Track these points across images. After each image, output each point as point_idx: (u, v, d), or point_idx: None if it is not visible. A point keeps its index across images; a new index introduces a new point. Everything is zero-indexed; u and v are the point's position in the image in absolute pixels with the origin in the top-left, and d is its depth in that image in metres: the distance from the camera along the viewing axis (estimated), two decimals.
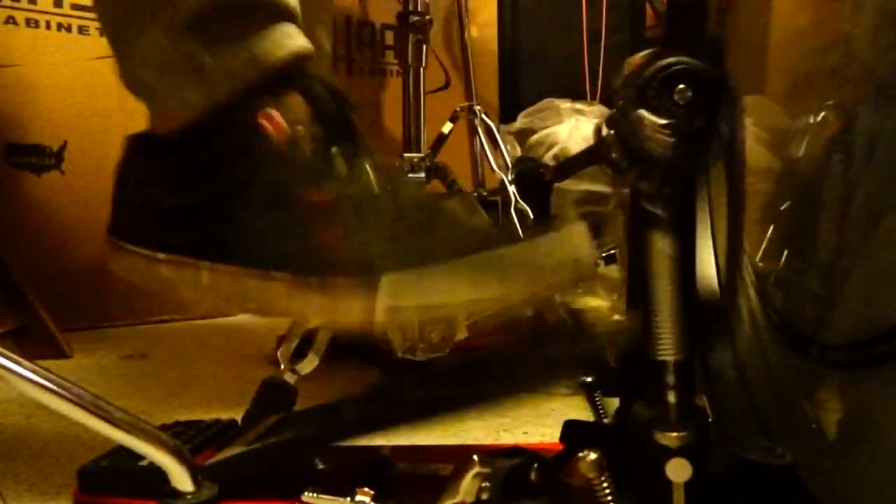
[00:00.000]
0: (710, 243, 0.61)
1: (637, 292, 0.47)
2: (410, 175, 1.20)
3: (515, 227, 0.55)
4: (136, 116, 0.65)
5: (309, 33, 0.80)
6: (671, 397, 0.43)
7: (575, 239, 0.51)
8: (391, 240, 0.52)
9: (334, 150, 0.55)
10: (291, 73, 0.58)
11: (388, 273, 0.50)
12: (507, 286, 0.49)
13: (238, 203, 0.55)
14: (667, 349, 0.43)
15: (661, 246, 0.43)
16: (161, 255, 0.57)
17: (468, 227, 0.53)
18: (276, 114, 0.56)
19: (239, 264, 0.54)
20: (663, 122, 0.42)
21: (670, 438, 0.42)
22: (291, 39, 0.58)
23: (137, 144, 0.61)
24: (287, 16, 0.59)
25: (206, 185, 0.56)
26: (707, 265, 0.61)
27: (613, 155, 0.46)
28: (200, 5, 0.56)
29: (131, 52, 0.59)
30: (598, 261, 0.55)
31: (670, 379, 0.43)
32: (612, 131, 0.45)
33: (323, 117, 0.57)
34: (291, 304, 0.53)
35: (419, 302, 0.50)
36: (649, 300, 0.44)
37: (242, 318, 1.46)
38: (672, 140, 0.42)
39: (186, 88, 0.57)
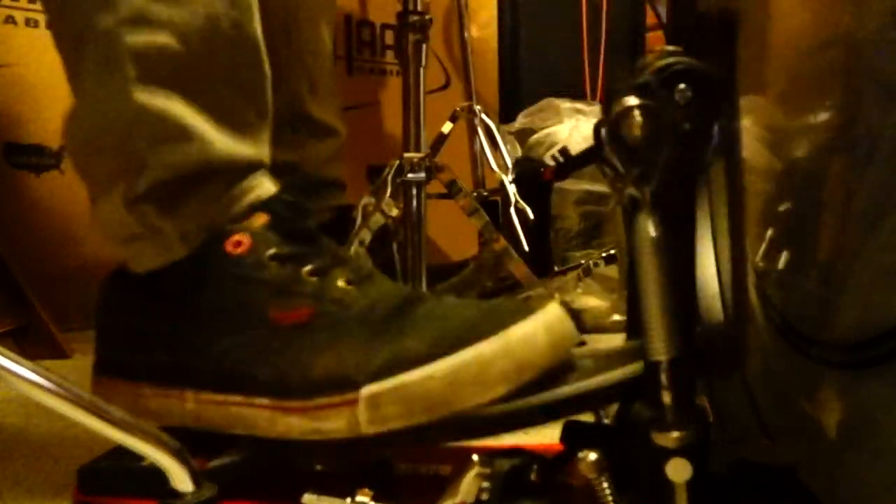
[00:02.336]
0: (710, 243, 0.61)
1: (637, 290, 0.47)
2: (411, 175, 1.20)
3: (498, 312, 0.53)
4: None
5: (314, 33, 0.80)
6: (666, 398, 0.43)
7: (551, 321, 0.51)
8: (367, 350, 0.52)
9: (307, 268, 0.56)
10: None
11: (366, 385, 0.51)
12: (485, 384, 0.49)
13: (213, 328, 0.56)
14: (659, 349, 0.43)
15: (647, 238, 0.43)
16: (146, 388, 0.57)
17: (445, 324, 0.52)
18: (243, 237, 0.57)
19: (221, 391, 0.55)
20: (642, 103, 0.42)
21: (668, 439, 0.42)
22: (253, 193, 0.59)
23: (112, 281, 0.62)
24: (252, 168, 0.60)
25: (181, 312, 0.57)
26: (706, 265, 0.61)
27: (609, 154, 0.46)
28: (160, 177, 0.57)
29: (98, 216, 0.61)
30: (580, 341, 0.53)
31: (664, 379, 0.43)
32: (608, 129, 0.45)
33: (290, 235, 0.57)
34: (276, 427, 0.53)
35: (402, 410, 0.50)
36: (640, 299, 0.43)
37: None
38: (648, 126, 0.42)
39: (146, 252, 0.58)
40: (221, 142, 0.58)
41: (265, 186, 0.60)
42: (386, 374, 0.50)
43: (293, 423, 0.52)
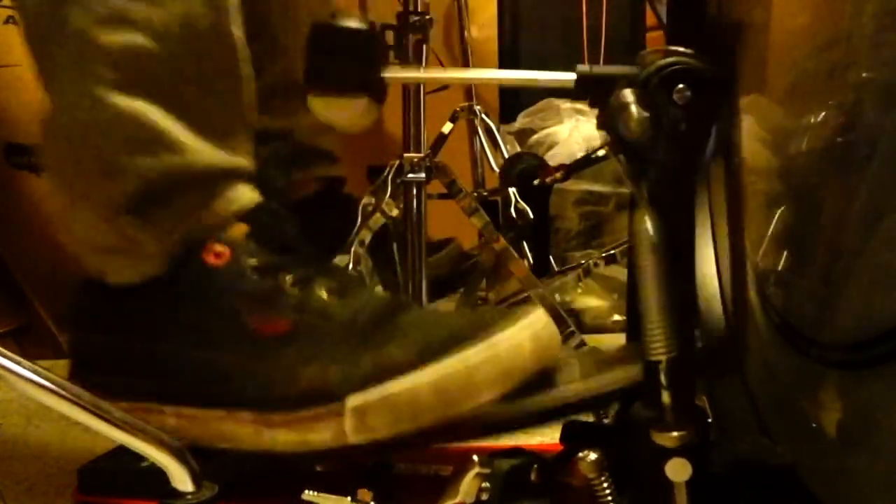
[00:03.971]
0: (710, 243, 0.61)
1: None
2: (411, 175, 1.19)
3: (483, 319, 0.53)
4: None
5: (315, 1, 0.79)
6: (666, 398, 0.43)
7: (536, 327, 0.51)
8: (351, 360, 0.51)
9: (288, 277, 0.55)
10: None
11: (351, 395, 0.50)
12: (470, 391, 0.49)
13: (192, 341, 0.54)
14: (658, 348, 0.43)
15: (645, 235, 0.43)
16: (124, 405, 0.56)
17: (429, 331, 0.52)
18: (222, 248, 0.55)
19: (202, 406, 0.54)
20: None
21: (668, 438, 0.42)
22: (233, 204, 0.57)
23: (86, 293, 0.60)
24: (231, 177, 0.58)
25: (159, 325, 0.56)
26: (706, 264, 0.61)
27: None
28: (138, 186, 0.55)
29: (69, 228, 0.59)
30: (564, 346, 0.53)
31: (663, 379, 0.43)
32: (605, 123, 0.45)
33: (271, 245, 0.56)
34: (261, 440, 0.52)
35: (388, 418, 0.50)
36: (640, 297, 0.43)
37: None
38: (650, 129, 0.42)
39: (122, 265, 0.57)
40: (200, 149, 0.56)
41: (245, 196, 0.58)
42: (371, 383, 0.50)
43: (278, 437, 0.52)
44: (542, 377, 0.50)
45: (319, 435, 0.51)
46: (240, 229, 0.56)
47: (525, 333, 0.50)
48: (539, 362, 0.50)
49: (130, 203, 0.55)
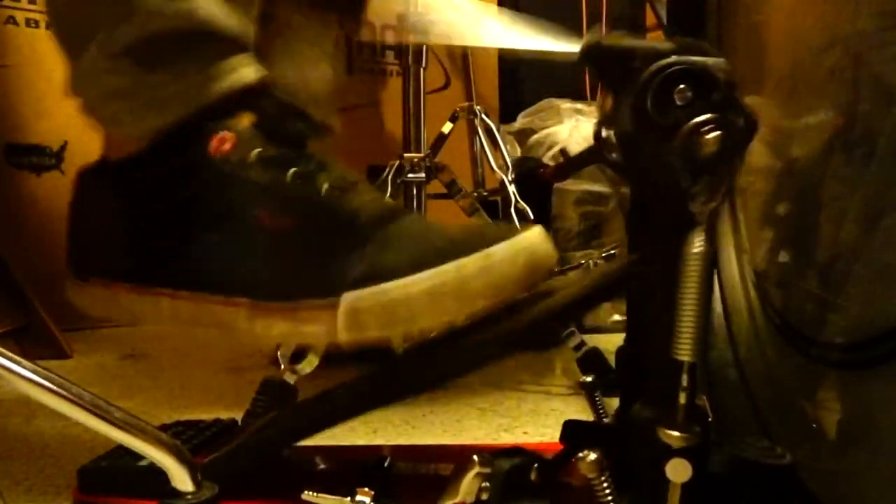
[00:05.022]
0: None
1: (640, 290, 0.47)
2: (411, 175, 1.20)
3: (481, 232, 0.54)
4: None
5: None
6: (682, 398, 0.42)
7: (532, 242, 0.51)
8: (349, 259, 0.52)
9: (291, 171, 0.55)
10: (242, 98, 0.57)
11: (347, 291, 0.51)
12: (464, 299, 0.50)
13: (194, 227, 0.55)
14: (686, 350, 0.42)
15: (700, 249, 0.43)
16: (122, 288, 0.57)
17: (428, 238, 0.52)
18: (228, 135, 0.55)
19: (199, 290, 0.55)
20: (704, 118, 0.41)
21: (674, 438, 0.42)
22: (236, 73, 0.57)
23: (90, 175, 0.60)
24: (237, 45, 0.57)
25: (162, 210, 0.56)
26: None
27: (614, 155, 0.46)
28: (144, 31, 0.54)
29: (77, 72, 0.58)
30: (557, 262, 0.53)
31: (684, 379, 0.42)
32: (612, 132, 0.45)
33: (277, 137, 0.56)
34: (254, 327, 0.53)
35: (381, 319, 0.50)
36: (676, 301, 0.43)
37: None
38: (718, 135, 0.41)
39: (123, 116, 0.56)
40: (211, 6, 0.55)
41: (249, 70, 0.57)
42: (368, 283, 0.51)
43: (273, 325, 0.53)
44: (532, 294, 0.50)
45: (313, 327, 0.52)
46: (246, 118, 0.56)
47: (521, 248, 0.50)
48: (532, 277, 0.51)
49: (133, 50, 0.55)
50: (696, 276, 0.42)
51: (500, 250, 0.50)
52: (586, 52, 0.46)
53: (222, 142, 0.55)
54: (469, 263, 0.50)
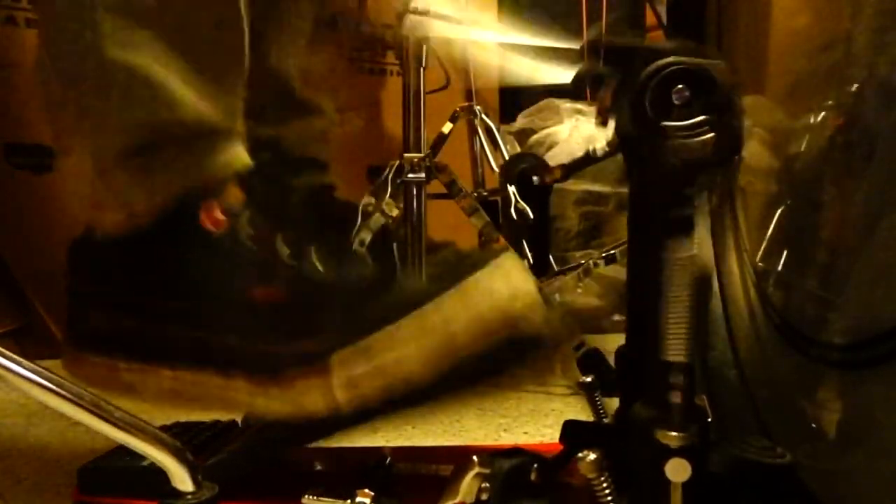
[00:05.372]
0: (709, 242, 0.61)
1: (639, 291, 0.47)
2: (411, 175, 1.20)
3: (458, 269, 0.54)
4: None
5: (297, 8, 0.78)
6: (676, 398, 0.43)
7: (506, 271, 0.51)
8: (339, 324, 0.52)
9: (283, 244, 0.55)
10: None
11: (336, 352, 0.51)
12: (449, 334, 0.49)
13: (193, 298, 0.54)
14: (678, 350, 0.43)
15: (689, 248, 0.43)
16: (122, 364, 0.56)
17: (413, 291, 0.52)
18: (219, 215, 0.55)
19: (198, 367, 0.54)
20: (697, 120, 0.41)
21: (671, 438, 0.42)
22: (227, 162, 0.57)
23: (82, 247, 0.60)
24: (225, 135, 0.57)
25: (157, 286, 0.56)
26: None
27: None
28: (131, 138, 0.54)
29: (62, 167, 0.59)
30: (539, 286, 0.53)
31: (676, 379, 0.42)
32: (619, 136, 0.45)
33: (266, 213, 0.56)
34: (254, 401, 0.53)
35: (372, 366, 0.50)
36: (664, 301, 0.43)
37: None
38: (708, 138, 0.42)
39: (113, 218, 0.56)
40: (195, 103, 0.55)
41: (239, 155, 0.57)
42: (355, 338, 0.50)
43: (272, 402, 0.52)
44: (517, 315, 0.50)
45: (310, 398, 0.51)
46: (236, 195, 0.56)
47: (493, 275, 0.50)
48: (511, 303, 0.50)
49: (123, 158, 0.55)
50: (685, 275, 0.42)
51: (472, 283, 0.50)
52: (588, 49, 0.46)
53: (216, 223, 0.55)
54: (447, 298, 0.50)
